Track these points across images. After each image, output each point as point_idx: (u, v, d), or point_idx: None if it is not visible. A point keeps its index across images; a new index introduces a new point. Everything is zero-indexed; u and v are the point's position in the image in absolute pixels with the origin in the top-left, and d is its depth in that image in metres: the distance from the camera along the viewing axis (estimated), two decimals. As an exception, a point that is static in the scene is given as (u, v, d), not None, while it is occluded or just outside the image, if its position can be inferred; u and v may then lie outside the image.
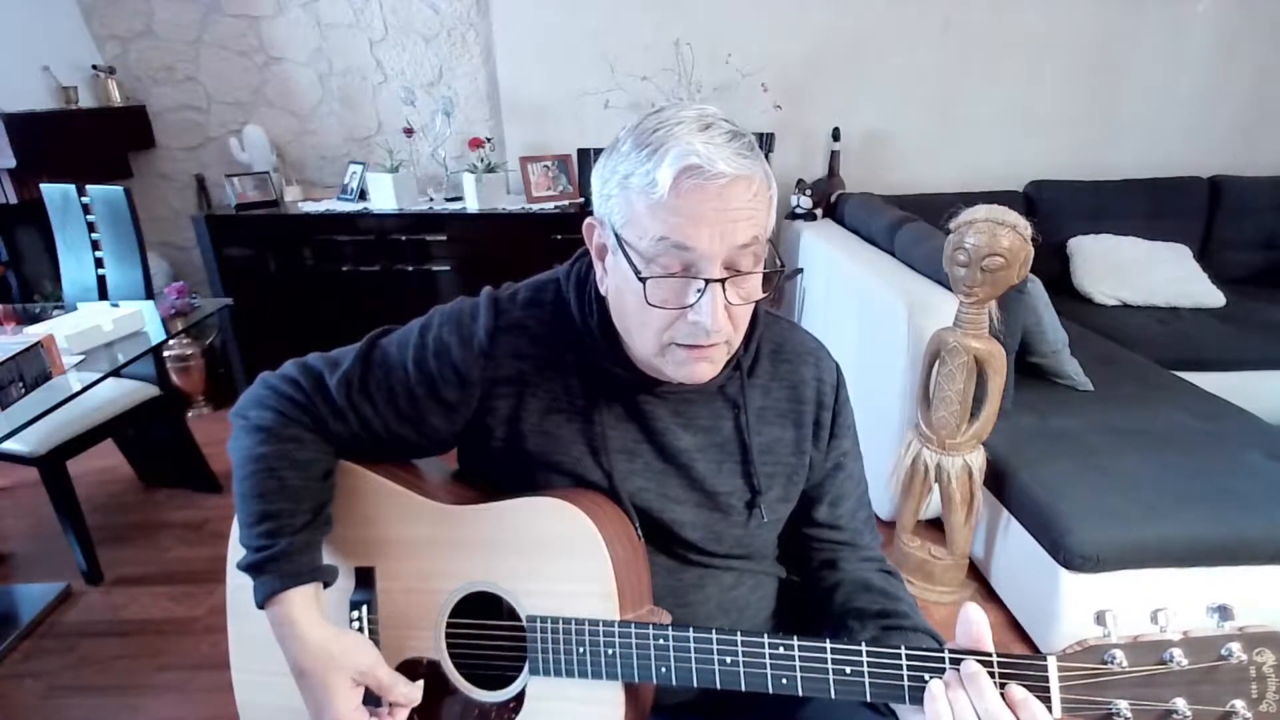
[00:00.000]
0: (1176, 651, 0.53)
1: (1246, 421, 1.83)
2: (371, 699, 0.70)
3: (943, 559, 1.76)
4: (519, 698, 0.71)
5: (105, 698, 1.56)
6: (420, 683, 0.72)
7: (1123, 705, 0.54)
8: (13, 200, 2.44)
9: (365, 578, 0.77)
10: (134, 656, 1.67)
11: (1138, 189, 2.89)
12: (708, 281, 0.62)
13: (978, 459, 1.65)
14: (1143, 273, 2.70)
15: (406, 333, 0.77)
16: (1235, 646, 0.52)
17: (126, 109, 2.80)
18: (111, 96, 2.76)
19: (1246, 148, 3.02)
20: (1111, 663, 0.54)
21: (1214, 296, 2.66)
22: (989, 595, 1.80)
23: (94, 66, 2.74)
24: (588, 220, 0.70)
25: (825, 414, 0.79)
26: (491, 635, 0.74)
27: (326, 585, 0.72)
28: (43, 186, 2.12)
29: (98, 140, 2.71)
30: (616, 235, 0.64)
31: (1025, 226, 1.43)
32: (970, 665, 0.56)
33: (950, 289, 1.59)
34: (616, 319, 0.71)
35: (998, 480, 1.71)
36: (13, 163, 2.32)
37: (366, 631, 0.75)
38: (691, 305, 0.63)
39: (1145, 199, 2.88)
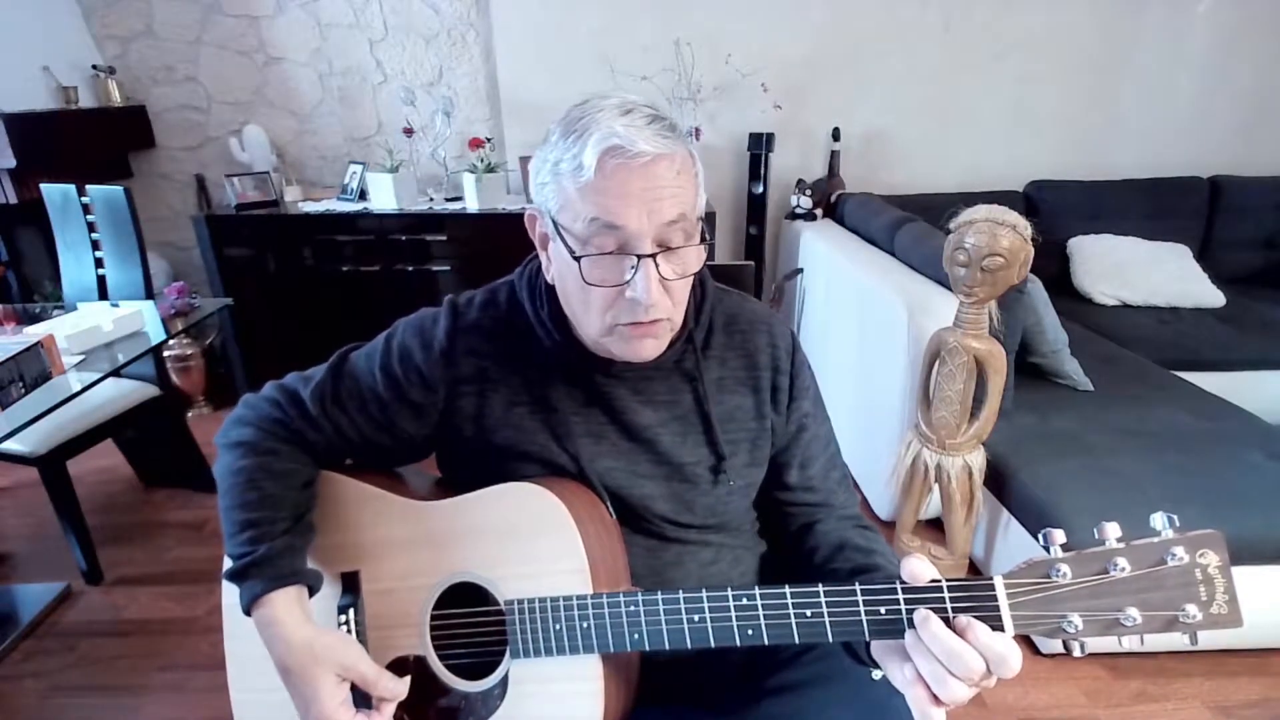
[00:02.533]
0: (1120, 560, 0.53)
1: (1246, 421, 1.83)
2: (361, 699, 0.70)
3: (943, 559, 1.76)
4: (503, 683, 0.72)
5: (105, 698, 1.56)
6: (407, 678, 0.72)
7: (1074, 618, 0.54)
8: (13, 200, 2.44)
9: (351, 582, 0.78)
10: (134, 656, 1.67)
11: (1138, 189, 2.89)
12: (640, 258, 0.64)
13: (978, 459, 1.65)
14: (1143, 273, 2.70)
15: (374, 344, 0.81)
16: (1179, 550, 0.53)
17: (126, 109, 2.80)
18: (111, 96, 2.76)
19: (1246, 148, 3.03)
20: (1057, 576, 0.54)
21: (1214, 296, 2.66)
22: (989, 595, 1.80)
23: (94, 66, 2.74)
24: (528, 212, 0.73)
25: (782, 378, 0.81)
26: (474, 625, 0.75)
27: (313, 592, 0.73)
28: (43, 186, 2.12)
29: (98, 140, 2.71)
30: (554, 221, 0.68)
31: (1025, 226, 1.43)
32: (921, 612, 0.57)
33: (950, 289, 1.59)
34: (563, 305, 0.74)
35: (998, 480, 1.71)
36: (13, 163, 2.32)
37: (354, 634, 0.76)
38: (627, 282, 0.65)
39: (1145, 199, 2.88)
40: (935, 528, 1.87)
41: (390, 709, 0.71)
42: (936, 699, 0.56)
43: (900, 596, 0.58)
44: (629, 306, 0.67)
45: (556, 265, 0.71)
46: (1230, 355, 2.34)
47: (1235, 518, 1.45)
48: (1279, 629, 1.54)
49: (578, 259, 0.65)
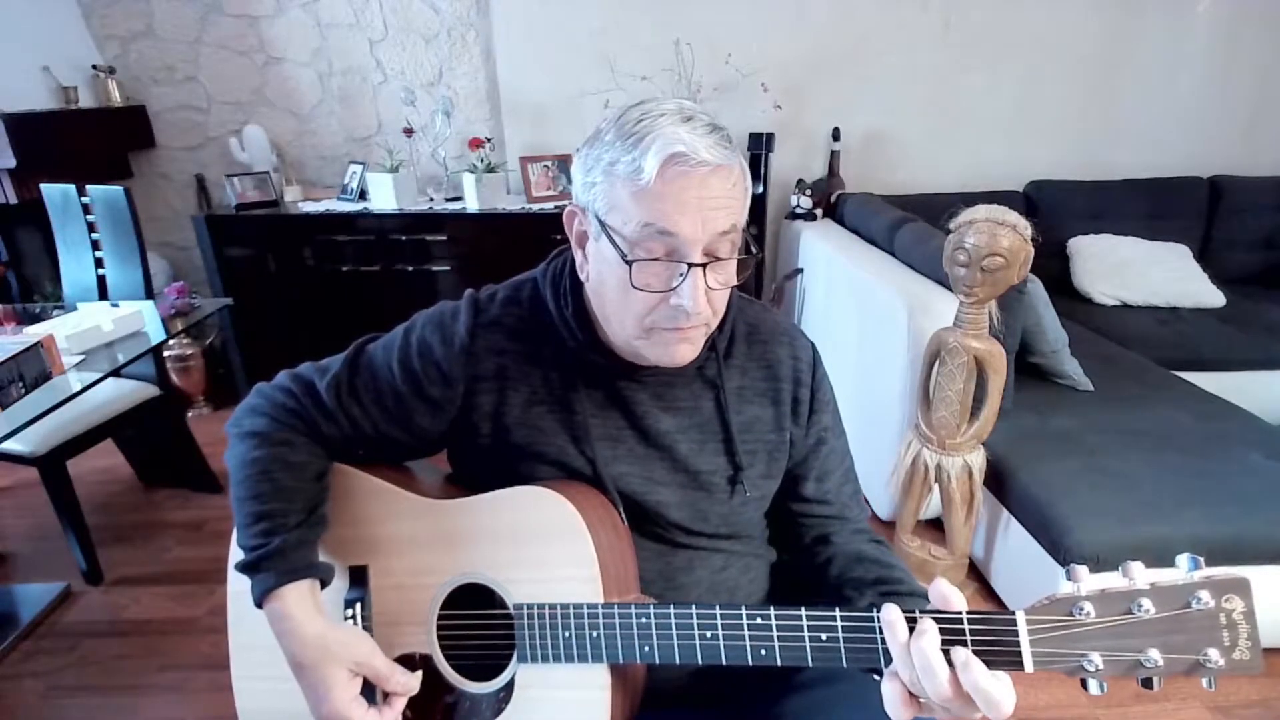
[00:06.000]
0: (1145, 601, 0.53)
1: (1246, 421, 1.83)
2: (370, 692, 0.71)
3: (943, 559, 1.76)
4: (509, 687, 0.72)
5: (105, 698, 1.56)
6: (419, 673, 0.72)
7: (1095, 657, 0.53)
8: (13, 200, 2.43)
9: (359, 576, 0.78)
10: (134, 656, 1.67)
11: (1138, 189, 2.89)
12: (690, 266, 0.64)
13: (978, 459, 1.65)
14: (1143, 273, 2.70)
15: (391, 337, 0.80)
16: (1204, 594, 0.52)
17: (126, 109, 2.80)
18: (111, 96, 2.76)
19: (1246, 148, 3.03)
20: (1080, 614, 0.54)
21: (1214, 296, 2.66)
22: (989, 595, 1.80)
23: (94, 66, 2.74)
24: (568, 208, 0.72)
25: (803, 391, 0.81)
26: (481, 626, 0.75)
27: (324, 585, 0.73)
28: (43, 186, 2.12)
29: (98, 140, 2.71)
30: (600, 221, 0.67)
31: (1025, 226, 1.43)
32: (924, 622, 0.56)
33: (950, 289, 1.59)
34: (596, 305, 0.73)
35: (998, 480, 1.71)
36: (13, 163, 2.31)
37: (361, 629, 0.75)
38: (674, 289, 0.65)
39: (1145, 199, 2.88)
40: (935, 528, 1.87)
41: (401, 704, 0.71)
42: (912, 700, 0.57)
43: (916, 616, 0.57)
44: (671, 312, 0.67)
45: (595, 265, 0.70)
46: (1230, 355, 2.34)
47: (1235, 518, 1.45)
48: (1279, 629, 1.54)
49: (629, 263, 0.65)
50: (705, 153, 0.62)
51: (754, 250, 0.71)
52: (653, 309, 0.67)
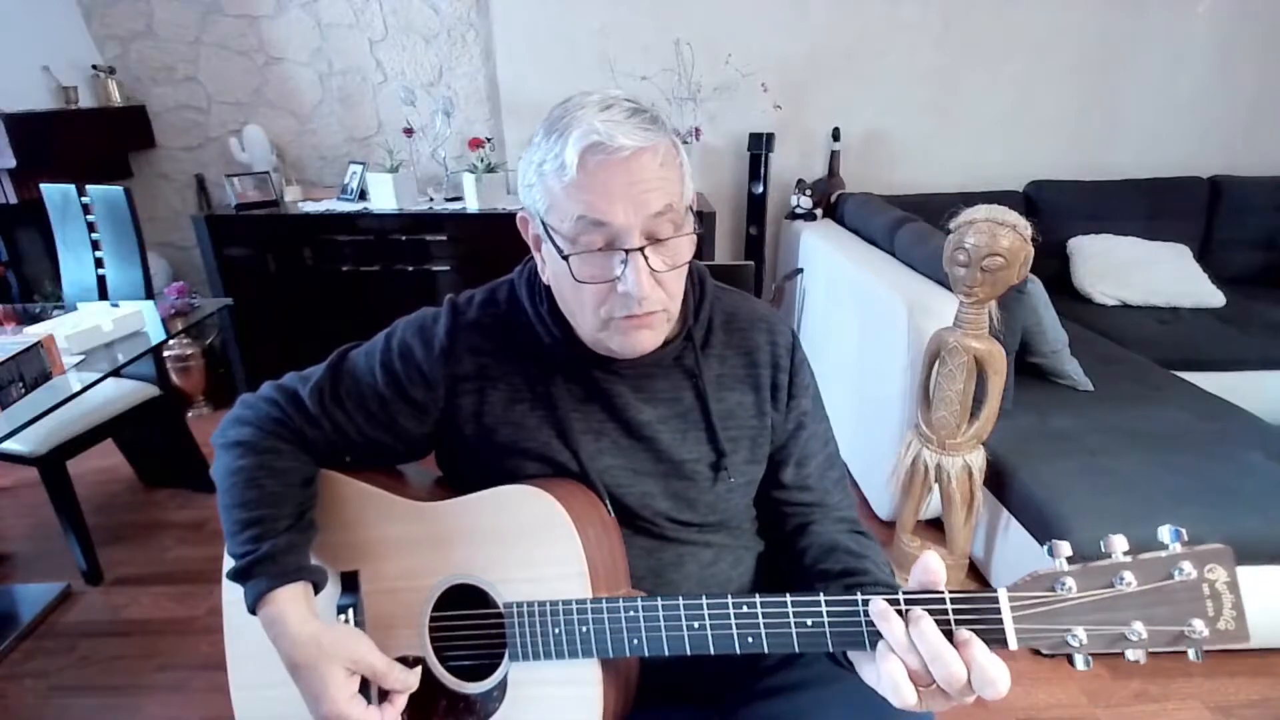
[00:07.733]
0: (1127, 574, 0.53)
1: (1246, 421, 1.83)
2: (368, 691, 0.70)
3: (943, 559, 1.75)
4: (502, 685, 0.72)
5: (105, 698, 1.56)
6: (418, 669, 0.72)
7: (1079, 631, 0.53)
8: (13, 200, 2.43)
9: (350, 581, 0.78)
10: (134, 656, 1.67)
11: (1138, 189, 2.89)
12: (628, 252, 0.64)
13: (978, 459, 1.65)
14: (1143, 273, 2.70)
15: (373, 343, 0.81)
16: (1186, 565, 0.52)
17: (126, 109, 2.80)
18: (111, 96, 2.76)
19: (1246, 148, 3.03)
20: (1062, 590, 0.54)
21: (1214, 296, 2.66)
22: (989, 595, 1.80)
23: (94, 66, 2.74)
24: (520, 214, 0.74)
25: (782, 375, 0.81)
26: (473, 626, 0.75)
27: (318, 589, 0.73)
28: (43, 186, 2.12)
29: (98, 140, 2.71)
30: (543, 222, 0.68)
31: (1025, 226, 1.43)
32: (915, 610, 0.57)
33: (950, 289, 1.59)
34: (560, 305, 0.74)
35: (998, 480, 1.71)
36: (13, 163, 2.31)
37: None
38: (618, 278, 0.65)
39: (1145, 199, 2.88)
40: (935, 528, 1.87)
41: (401, 701, 0.71)
42: (913, 684, 0.57)
43: (903, 607, 0.58)
44: (622, 300, 0.67)
45: (550, 265, 0.71)
46: (1230, 355, 2.34)
47: (1235, 518, 1.45)
48: (1279, 629, 1.54)
49: (566, 258, 0.66)
50: (623, 138, 0.62)
51: (701, 226, 0.71)
52: (604, 300, 0.68)
